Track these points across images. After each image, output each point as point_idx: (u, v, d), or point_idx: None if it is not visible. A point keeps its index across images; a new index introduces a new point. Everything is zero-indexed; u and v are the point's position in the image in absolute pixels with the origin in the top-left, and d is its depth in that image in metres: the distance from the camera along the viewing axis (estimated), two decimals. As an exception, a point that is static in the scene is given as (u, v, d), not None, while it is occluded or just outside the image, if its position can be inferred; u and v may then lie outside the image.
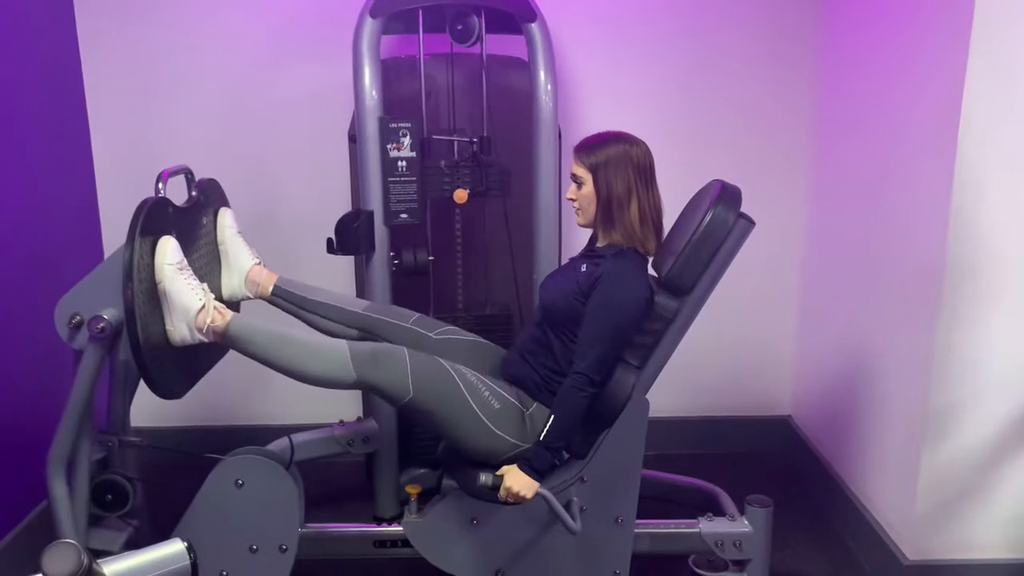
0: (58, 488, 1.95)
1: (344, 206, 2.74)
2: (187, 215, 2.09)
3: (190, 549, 0.95)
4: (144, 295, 1.87)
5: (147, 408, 3.01)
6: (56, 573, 0.80)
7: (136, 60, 2.90)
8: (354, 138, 2.53)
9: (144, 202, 1.91)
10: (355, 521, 2.36)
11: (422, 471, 2.69)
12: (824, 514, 2.80)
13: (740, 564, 2.25)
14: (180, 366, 2.04)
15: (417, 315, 2.26)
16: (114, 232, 3.02)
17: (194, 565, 0.96)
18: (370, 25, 2.41)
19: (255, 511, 2.09)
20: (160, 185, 2.03)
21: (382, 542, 2.25)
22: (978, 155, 2.09)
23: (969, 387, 2.21)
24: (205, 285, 1.99)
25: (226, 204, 2.32)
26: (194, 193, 2.20)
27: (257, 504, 2.09)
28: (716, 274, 2.04)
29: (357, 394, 3.02)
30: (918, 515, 2.29)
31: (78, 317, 1.90)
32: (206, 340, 1.97)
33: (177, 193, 2.06)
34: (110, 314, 1.87)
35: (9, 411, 2.40)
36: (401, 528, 2.19)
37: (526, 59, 2.52)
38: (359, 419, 2.68)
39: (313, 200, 2.98)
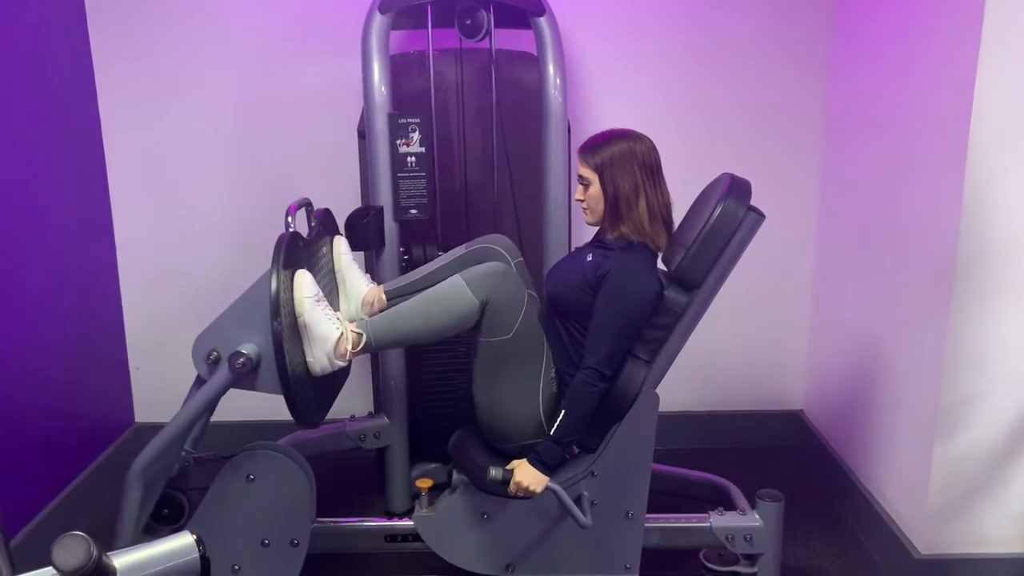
0: (135, 493, 1.98)
1: (354, 202, 2.75)
2: (311, 246, 2.13)
3: (199, 542, 0.96)
4: (288, 329, 1.89)
5: (156, 404, 3.05)
6: (66, 565, 0.81)
7: (147, 60, 2.92)
8: (363, 134, 2.54)
9: (281, 238, 1.94)
10: (366, 516, 2.37)
11: (433, 466, 2.69)
12: (835, 508, 2.80)
13: (751, 558, 2.25)
14: (319, 395, 2.07)
15: (521, 259, 2.25)
16: (127, 231, 3.04)
17: (204, 558, 0.97)
18: (379, 21, 2.41)
19: (266, 505, 2.10)
20: (289, 219, 2.08)
21: (393, 536, 2.26)
22: (990, 149, 2.07)
23: (981, 381, 2.19)
24: (339, 313, 2.02)
25: (339, 232, 2.36)
26: (313, 224, 2.25)
27: (268, 498, 2.10)
28: (726, 268, 2.03)
29: (368, 390, 3.03)
30: (930, 509, 2.28)
31: (215, 353, 1.93)
32: (342, 366, 1.99)
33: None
34: (249, 349, 1.90)
35: (24, 412, 2.43)
36: (412, 522, 2.20)
37: (535, 54, 2.52)
38: (370, 414, 2.70)
39: (323, 196, 2.97)
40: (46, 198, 2.58)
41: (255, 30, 2.91)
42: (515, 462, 2.01)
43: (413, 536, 2.21)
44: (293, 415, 1.98)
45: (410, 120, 2.44)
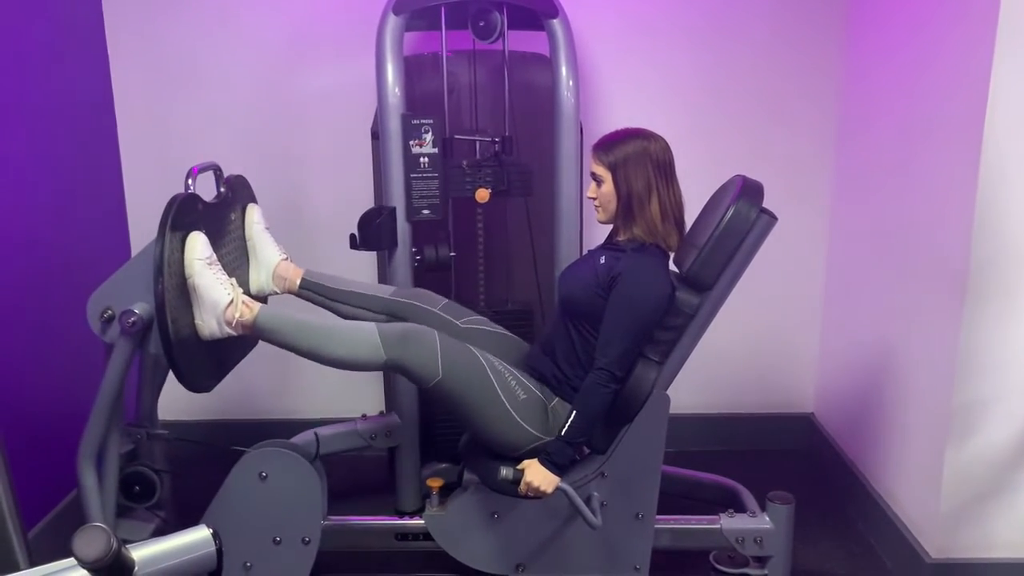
0: (88, 479, 1.99)
1: (367, 202, 2.76)
2: (216, 211, 2.11)
3: (216, 536, 0.97)
4: (174, 290, 1.89)
5: (174, 401, 3.07)
6: (86, 556, 0.82)
7: (162, 58, 2.94)
8: (377, 135, 2.55)
9: (174, 198, 1.93)
10: (377, 514, 2.38)
11: (443, 465, 2.70)
12: (846, 511, 2.79)
13: (761, 560, 2.25)
14: (209, 360, 2.06)
15: (446, 301, 2.27)
16: (141, 228, 3.06)
17: (219, 552, 0.98)
18: (393, 22, 2.42)
19: (279, 503, 2.12)
20: (190, 181, 2.06)
21: (404, 535, 2.27)
22: (1004, 150, 2.07)
23: (994, 384, 2.19)
24: (234, 280, 2.01)
25: (254, 200, 2.35)
26: (222, 189, 2.23)
27: (281, 496, 2.12)
28: (738, 270, 2.04)
29: (380, 388, 3.04)
30: (941, 513, 2.27)
31: (109, 311, 1.93)
32: (235, 334, 1.99)
33: (206, 189, 2.09)
34: (141, 308, 1.89)
35: (40, 403, 2.45)
36: (422, 521, 2.21)
37: (548, 55, 2.53)
38: (382, 413, 2.71)
39: (336, 196, 3.00)
40: (61, 196, 2.60)
41: (270, 30, 2.93)
42: (526, 462, 2.02)
43: (424, 535, 2.22)
44: (178, 378, 1.96)
45: (423, 121, 2.45)
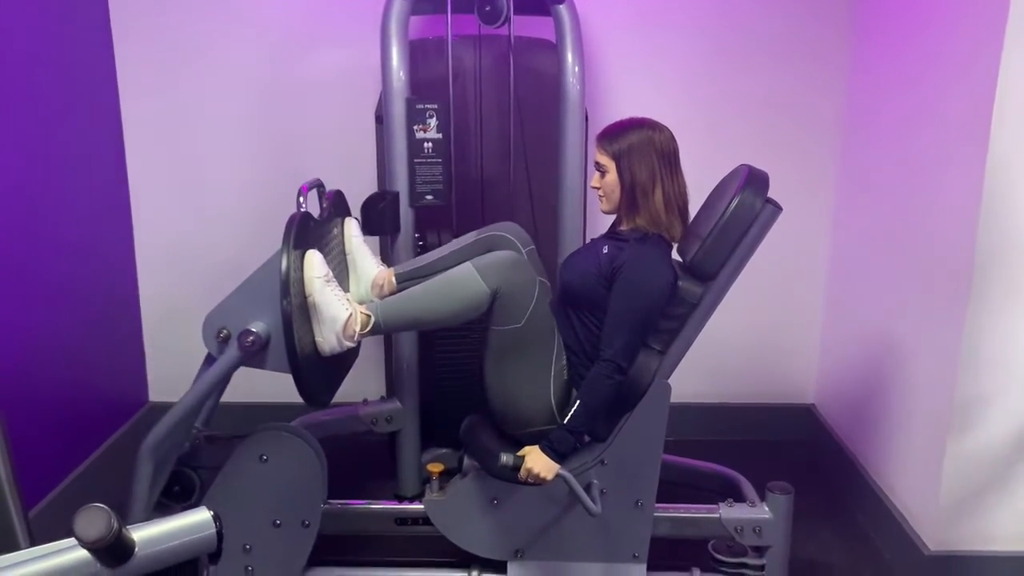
0: (146, 470, 2.01)
1: (370, 186, 2.75)
2: (322, 227, 2.13)
3: (216, 518, 0.97)
4: (297, 309, 1.91)
5: (171, 383, 3.08)
6: (87, 536, 0.82)
7: (166, 43, 2.93)
8: (381, 119, 2.54)
9: (292, 217, 1.95)
10: (377, 498, 2.39)
11: (444, 451, 2.71)
12: (846, 503, 2.79)
13: (760, 550, 2.25)
14: (327, 374, 2.08)
15: (533, 247, 2.25)
16: (143, 215, 3.06)
17: (219, 534, 0.98)
18: (399, 5, 2.41)
19: (279, 486, 2.12)
20: (301, 199, 2.08)
21: (403, 520, 2.28)
22: (1011, 144, 2.06)
23: (996, 378, 2.18)
24: (348, 294, 2.02)
25: (350, 214, 2.36)
26: (324, 205, 2.25)
27: (281, 479, 2.12)
28: (741, 260, 2.03)
29: (381, 374, 3.04)
30: (941, 506, 2.27)
31: (225, 331, 1.96)
32: (352, 346, 2.00)
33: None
34: (258, 327, 1.92)
35: (41, 389, 2.46)
36: (422, 506, 2.22)
37: (554, 41, 2.51)
38: (383, 398, 2.71)
39: (339, 180, 2.97)
40: (65, 179, 2.60)
41: (275, 13, 2.92)
42: (526, 448, 2.02)
43: (423, 520, 2.23)
44: (301, 394, 1.99)
45: (428, 106, 2.44)
